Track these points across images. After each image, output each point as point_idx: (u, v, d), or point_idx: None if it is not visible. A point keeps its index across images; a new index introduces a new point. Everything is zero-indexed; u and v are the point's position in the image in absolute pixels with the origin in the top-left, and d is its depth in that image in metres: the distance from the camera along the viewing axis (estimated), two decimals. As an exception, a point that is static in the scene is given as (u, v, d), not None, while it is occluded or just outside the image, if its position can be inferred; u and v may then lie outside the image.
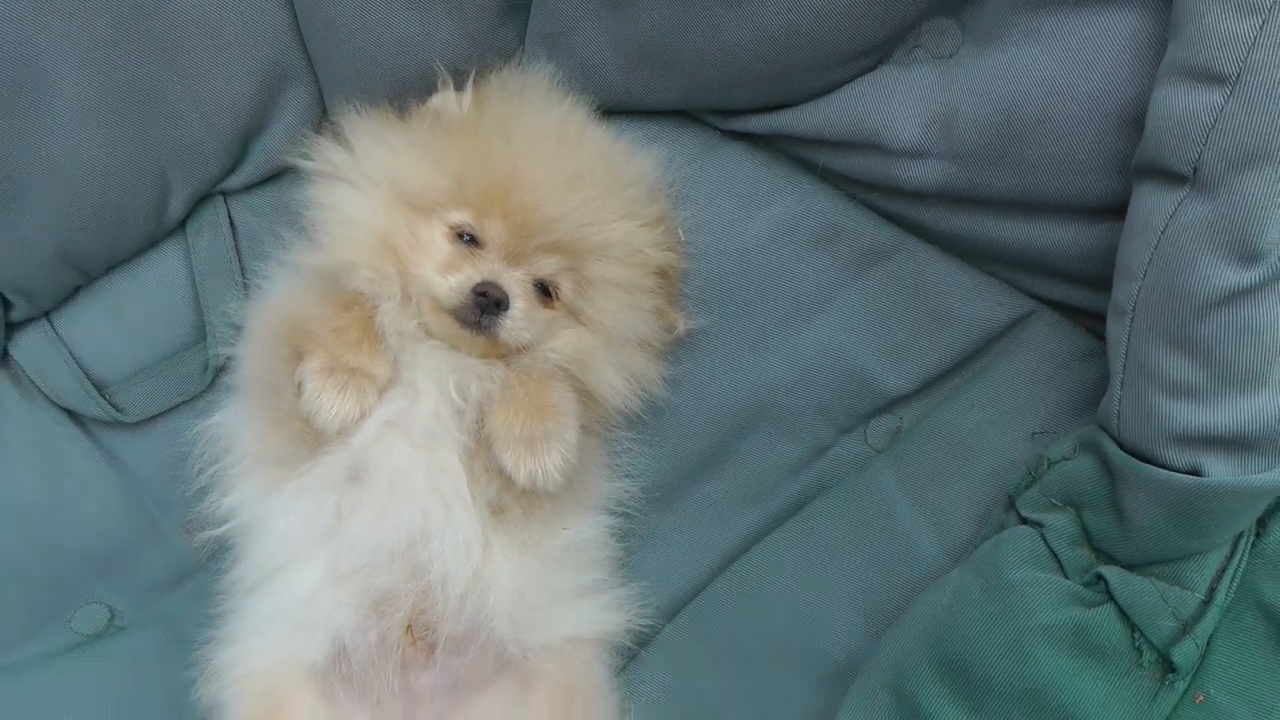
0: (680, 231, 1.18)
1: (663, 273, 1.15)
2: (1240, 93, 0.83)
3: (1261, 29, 0.81)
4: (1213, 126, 0.85)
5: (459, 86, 1.12)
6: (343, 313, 1.06)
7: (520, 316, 1.07)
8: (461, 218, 1.08)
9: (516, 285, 1.07)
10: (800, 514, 1.21)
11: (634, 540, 1.20)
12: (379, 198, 1.10)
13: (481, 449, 1.06)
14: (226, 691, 1.08)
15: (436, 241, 1.09)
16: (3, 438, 1.22)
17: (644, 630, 1.17)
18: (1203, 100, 0.85)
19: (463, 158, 1.09)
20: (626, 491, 1.19)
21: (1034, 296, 1.17)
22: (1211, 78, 0.84)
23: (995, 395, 1.16)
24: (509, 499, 1.07)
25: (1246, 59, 0.82)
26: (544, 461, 1.03)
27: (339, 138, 1.14)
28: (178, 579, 1.24)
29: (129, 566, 1.23)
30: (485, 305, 1.05)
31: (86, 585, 1.23)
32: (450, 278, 1.06)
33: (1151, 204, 0.91)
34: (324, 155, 1.13)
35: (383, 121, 1.14)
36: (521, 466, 1.03)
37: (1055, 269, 1.11)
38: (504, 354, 1.09)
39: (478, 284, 1.05)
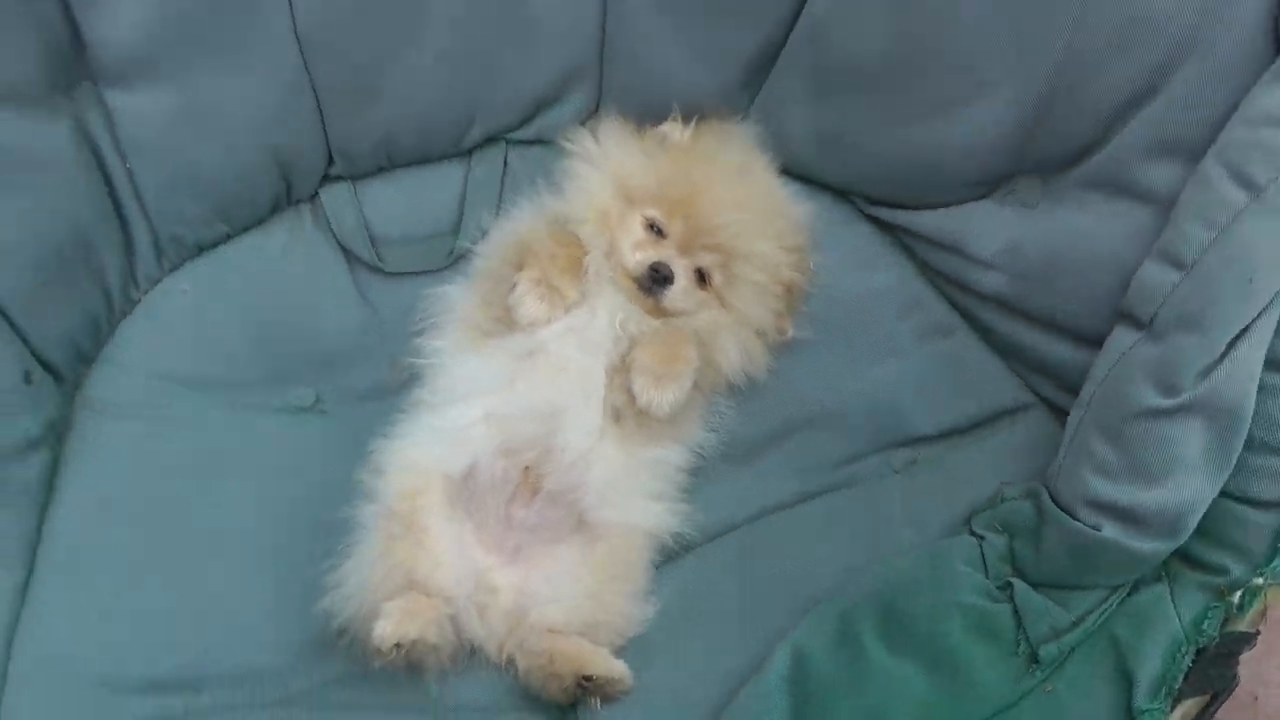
0: (810, 264, 1.36)
1: (789, 288, 1.34)
2: (1190, 278, 1.01)
3: (1214, 241, 0.99)
4: (1168, 296, 1.03)
5: (685, 123, 1.36)
6: (561, 248, 1.27)
7: (679, 292, 1.28)
8: (655, 213, 1.29)
9: (681, 269, 1.28)
10: (826, 496, 1.35)
11: (701, 477, 1.33)
12: (609, 183, 1.33)
13: (622, 370, 1.25)
14: (383, 469, 1.23)
15: (635, 226, 1.30)
16: (292, 252, 1.46)
17: (686, 540, 1.30)
18: (1167, 276, 1.04)
19: (670, 172, 1.31)
20: (708, 440, 1.33)
21: (1035, 393, 1.34)
22: (1177, 263, 1.03)
23: (986, 454, 1.33)
24: (628, 411, 1.25)
25: (1200, 257, 1.00)
26: (663, 394, 1.21)
27: (595, 133, 1.39)
28: (371, 395, 1.41)
29: (344, 371, 1.43)
30: (656, 279, 1.26)
31: (310, 370, 1.42)
32: (637, 254, 1.28)
33: (1120, 337, 1.09)
34: (581, 143, 1.39)
35: (626, 131, 1.39)
36: (645, 392, 1.22)
37: (1055, 375, 1.28)
38: (662, 314, 1.29)
39: (654, 263, 1.27)
